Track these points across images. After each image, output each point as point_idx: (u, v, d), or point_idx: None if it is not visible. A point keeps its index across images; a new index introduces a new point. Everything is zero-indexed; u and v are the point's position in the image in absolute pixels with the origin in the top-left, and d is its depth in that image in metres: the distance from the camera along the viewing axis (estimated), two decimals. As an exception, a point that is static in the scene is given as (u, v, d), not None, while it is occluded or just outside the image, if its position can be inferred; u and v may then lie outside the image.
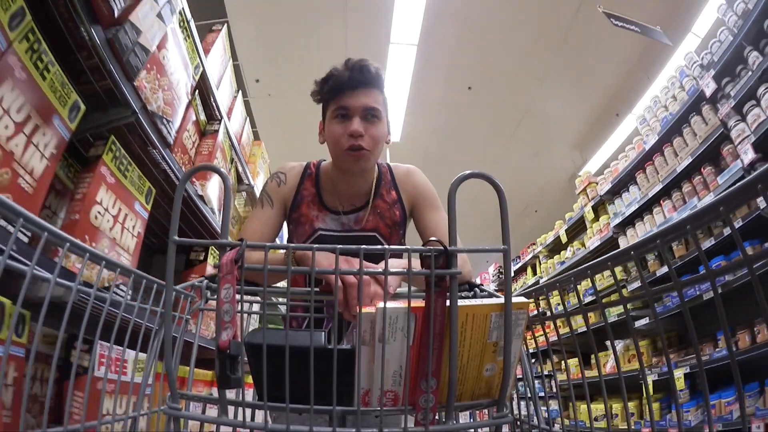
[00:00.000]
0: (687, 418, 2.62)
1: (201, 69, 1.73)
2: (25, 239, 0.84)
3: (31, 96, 0.82)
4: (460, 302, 0.48)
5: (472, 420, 0.63)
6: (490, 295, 0.70)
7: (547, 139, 5.12)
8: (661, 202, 3.22)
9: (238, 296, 0.47)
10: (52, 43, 0.93)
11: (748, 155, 2.43)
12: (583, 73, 4.25)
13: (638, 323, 3.21)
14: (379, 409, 0.49)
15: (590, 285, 0.70)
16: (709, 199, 2.59)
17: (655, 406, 2.92)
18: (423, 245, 0.51)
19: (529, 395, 0.68)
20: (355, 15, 4.14)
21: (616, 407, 3.33)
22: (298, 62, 4.50)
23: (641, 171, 3.44)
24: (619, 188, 3.73)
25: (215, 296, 0.64)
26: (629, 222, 3.56)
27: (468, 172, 0.50)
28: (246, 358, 0.53)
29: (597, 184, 4.03)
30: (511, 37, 4.30)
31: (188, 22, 1.63)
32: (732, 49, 2.61)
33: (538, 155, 5.79)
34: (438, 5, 3.99)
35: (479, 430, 0.51)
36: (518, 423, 0.70)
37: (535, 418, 0.68)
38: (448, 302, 0.48)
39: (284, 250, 0.88)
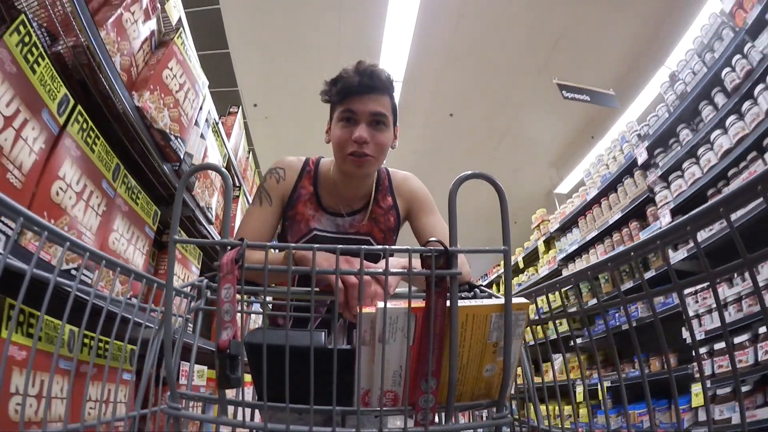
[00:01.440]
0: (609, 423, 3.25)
1: (227, 155, 2.35)
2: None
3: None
4: (460, 303, 0.49)
5: (471, 420, 0.63)
6: (490, 296, 0.70)
7: (525, 159, 5.50)
8: (596, 245, 3.85)
9: (238, 296, 0.47)
10: (139, 176, 1.42)
11: (666, 218, 2.89)
12: (560, 99, 4.52)
13: (579, 340, 3.79)
14: (379, 409, 0.49)
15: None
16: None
17: (585, 411, 3.30)
18: (423, 246, 0.51)
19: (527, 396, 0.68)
20: (347, 51, 4.47)
21: (567, 409, 3.56)
22: (294, 88, 4.88)
23: (582, 217, 4.08)
24: (565, 228, 4.42)
25: (215, 296, 0.64)
26: (571, 258, 4.25)
27: (468, 172, 0.50)
28: (246, 358, 0.53)
29: (549, 222, 4.78)
30: (492, 69, 4.66)
31: (218, 125, 2.19)
32: (666, 125, 3.03)
33: (518, 172, 6.23)
34: (423, 44, 4.35)
35: (479, 430, 0.51)
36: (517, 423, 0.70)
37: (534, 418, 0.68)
38: (448, 302, 0.48)
39: (284, 251, 0.88)
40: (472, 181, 0.50)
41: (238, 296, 0.47)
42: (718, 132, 2.61)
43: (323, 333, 0.54)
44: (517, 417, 0.70)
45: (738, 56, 2.52)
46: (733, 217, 0.41)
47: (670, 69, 3.34)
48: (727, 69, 2.57)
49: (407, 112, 5.18)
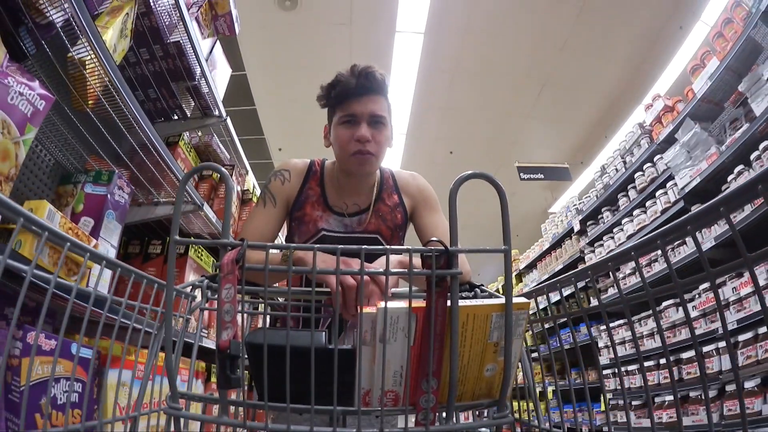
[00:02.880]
0: (555, 417, 3.93)
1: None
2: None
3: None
4: (461, 302, 0.48)
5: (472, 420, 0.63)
6: (491, 296, 0.70)
7: (523, 184, 5.99)
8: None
9: (239, 296, 0.47)
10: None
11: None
12: (551, 135, 5.72)
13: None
14: (379, 409, 0.49)
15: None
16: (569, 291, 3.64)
17: (543, 406, 3.98)
18: (424, 246, 0.51)
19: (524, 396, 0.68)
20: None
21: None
22: (313, 130, 5.24)
23: (540, 261, 5.30)
24: (529, 267, 5.63)
25: (215, 296, 0.64)
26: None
27: (469, 172, 0.50)
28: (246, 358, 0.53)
29: (519, 260, 5.89)
30: (489, 110, 5.44)
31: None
32: (594, 206, 4.05)
33: (516, 195, 6.90)
34: (423, 99, 5.13)
35: (480, 430, 0.51)
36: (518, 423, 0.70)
37: (535, 418, 0.68)
38: (448, 302, 0.48)
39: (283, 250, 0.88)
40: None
41: (239, 296, 0.47)
42: (627, 219, 3.43)
43: (324, 333, 0.54)
44: (518, 417, 0.70)
45: (649, 164, 3.27)
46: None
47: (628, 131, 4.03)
48: (639, 173, 3.37)
49: (412, 155, 6.25)
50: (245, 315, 0.60)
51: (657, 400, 2.66)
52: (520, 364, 0.66)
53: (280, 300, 1.08)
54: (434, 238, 0.52)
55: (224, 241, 0.48)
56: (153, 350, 0.54)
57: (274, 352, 0.48)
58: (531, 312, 0.56)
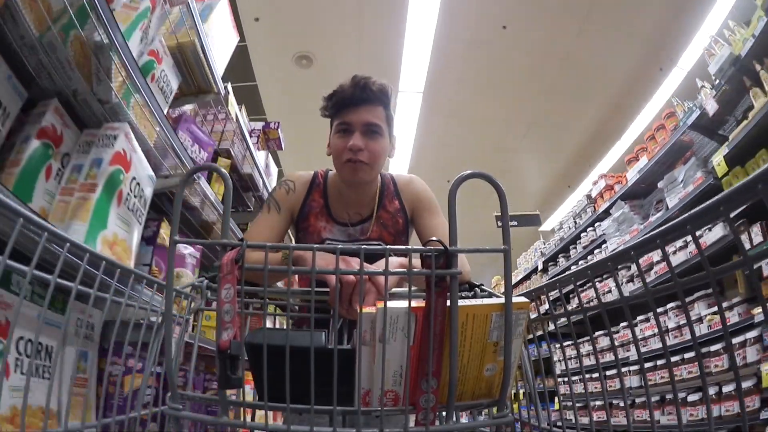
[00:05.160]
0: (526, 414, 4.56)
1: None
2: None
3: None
4: (461, 302, 0.48)
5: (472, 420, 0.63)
6: (491, 295, 0.70)
7: (518, 204, 6.64)
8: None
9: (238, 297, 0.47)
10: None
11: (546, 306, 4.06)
12: (540, 166, 6.40)
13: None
14: (379, 409, 0.49)
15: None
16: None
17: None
18: (424, 246, 0.51)
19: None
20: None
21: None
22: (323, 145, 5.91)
23: (515, 289, 5.50)
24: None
25: (215, 296, 0.64)
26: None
27: (469, 171, 0.50)
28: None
29: (501, 285, 6.05)
30: (478, 150, 6.07)
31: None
32: (554, 252, 4.98)
33: (511, 213, 7.40)
34: (424, 137, 5.63)
35: (480, 430, 0.51)
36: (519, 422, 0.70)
37: (534, 417, 0.68)
38: (448, 302, 0.48)
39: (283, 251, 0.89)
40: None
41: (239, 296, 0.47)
42: (573, 267, 4.09)
43: (323, 333, 0.54)
44: (518, 418, 0.70)
45: (590, 228, 4.15)
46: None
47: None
48: (583, 234, 4.28)
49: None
50: (246, 315, 0.60)
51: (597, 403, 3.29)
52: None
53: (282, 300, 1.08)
54: (434, 238, 0.52)
55: (224, 241, 0.48)
56: (152, 351, 0.54)
57: (274, 352, 0.48)
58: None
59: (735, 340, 2.13)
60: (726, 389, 2.16)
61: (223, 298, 0.47)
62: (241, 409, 0.52)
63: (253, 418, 0.73)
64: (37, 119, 0.92)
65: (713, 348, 2.29)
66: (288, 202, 1.14)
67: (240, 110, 2.33)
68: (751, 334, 2.10)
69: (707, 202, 0.43)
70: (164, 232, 1.33)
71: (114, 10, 1.04)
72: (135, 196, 1.08)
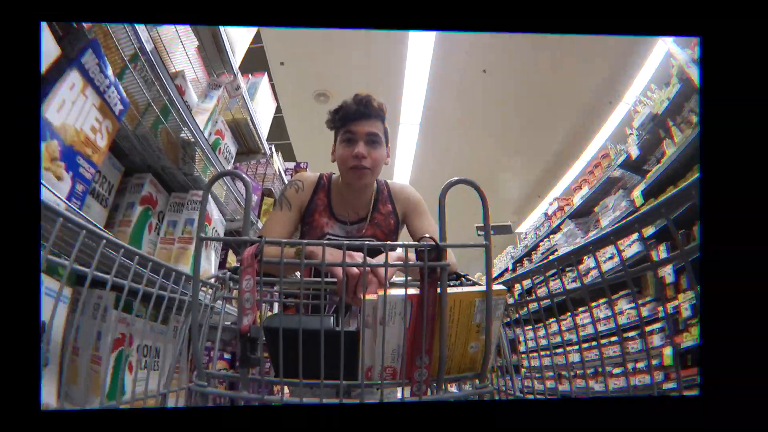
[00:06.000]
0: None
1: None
2: None
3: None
4: (449, 290, 0.57)
5: (458, 391, 0.72)
6: (474, 284, 0.79)
7: (498, 213, 7.24)
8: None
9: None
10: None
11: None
12: (520, 180, 7.20)
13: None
14: (380, 382, 0.57)
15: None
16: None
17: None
18: (417, 242, 0.60)
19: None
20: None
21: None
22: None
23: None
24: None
25: (237, 286, 0.71)
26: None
27: (456, 178, 0.59)
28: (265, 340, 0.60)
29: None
30: (468, 167, 6.50)
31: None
32: (520, 256, 5.62)
33: (492, 219, 8.01)
34: (421, 157, 6.15)
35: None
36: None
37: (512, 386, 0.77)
38: (439, 290, 0.57)
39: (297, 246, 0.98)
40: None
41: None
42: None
43: (332, 317, 0.62)
44: (497, 389, 0.80)
45: (546, 240, 4.81)
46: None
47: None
48: (541, 243, 4.92)
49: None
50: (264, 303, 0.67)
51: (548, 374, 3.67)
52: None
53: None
54: (426, 235, 0.60)
55: (245, 238, 0.55)
56: (181, 335, 0.61)
57: (289, 335, 0.55)
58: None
59: (647, 329, 2.76)
60: (639, 365, 2.82)
61: (244, 287, 0.54)
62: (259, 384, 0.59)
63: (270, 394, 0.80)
64: (137, 189, 1.26)
65: (631, 334, 2.94)
66: (297, 200, 1.26)
67: (277, 155, 2.78)
68: (657, 326, 2.73)
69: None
70: (230, 258, 1.83)
71: (191, 109, 1.37)
72: (215, 238, 1.50)
